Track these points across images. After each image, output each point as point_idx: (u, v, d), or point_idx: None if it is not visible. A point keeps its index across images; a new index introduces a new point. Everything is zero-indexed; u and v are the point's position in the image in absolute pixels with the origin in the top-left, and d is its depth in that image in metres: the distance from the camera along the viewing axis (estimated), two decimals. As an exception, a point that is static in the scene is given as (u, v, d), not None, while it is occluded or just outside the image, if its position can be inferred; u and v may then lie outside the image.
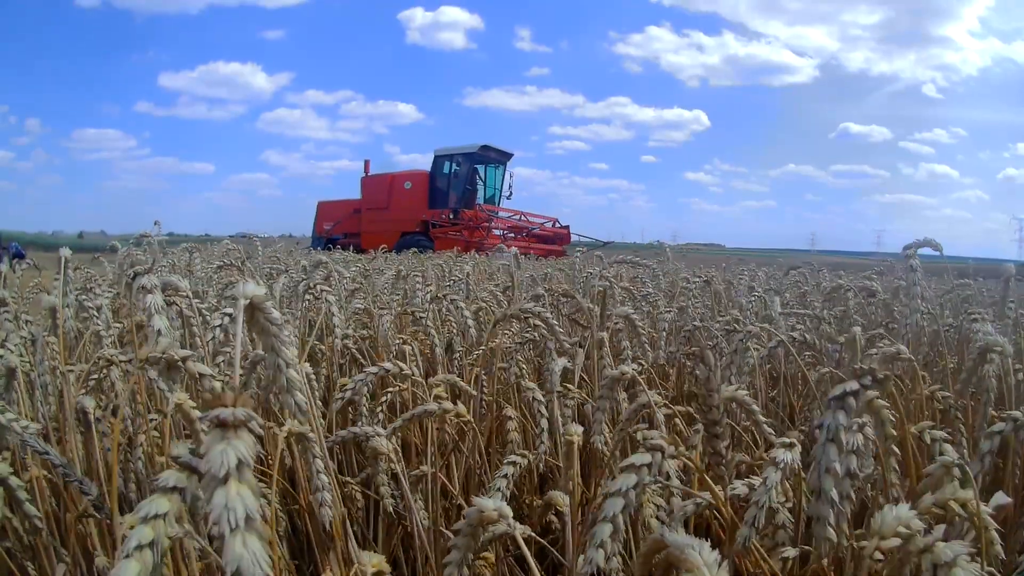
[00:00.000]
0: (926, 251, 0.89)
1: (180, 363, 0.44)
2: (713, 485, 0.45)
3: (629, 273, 1.94)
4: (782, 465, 0.39)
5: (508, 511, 0.39)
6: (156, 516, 0.25)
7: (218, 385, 0.44)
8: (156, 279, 0.45)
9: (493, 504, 0.39)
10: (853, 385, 0.36)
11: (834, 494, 0.35)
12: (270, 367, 0.36)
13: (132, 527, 0.53)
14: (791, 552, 0.48)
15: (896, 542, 0.33)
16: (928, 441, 0.58)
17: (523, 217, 9.85)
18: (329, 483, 0.53)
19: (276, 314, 0.35)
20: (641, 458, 0.35)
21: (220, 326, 0.62)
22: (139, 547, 0.24)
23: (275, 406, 0.73)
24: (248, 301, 0.33)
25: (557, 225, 10.04)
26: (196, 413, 0.53)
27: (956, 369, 0.93)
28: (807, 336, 1.01)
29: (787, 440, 0.40)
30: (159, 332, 0.44)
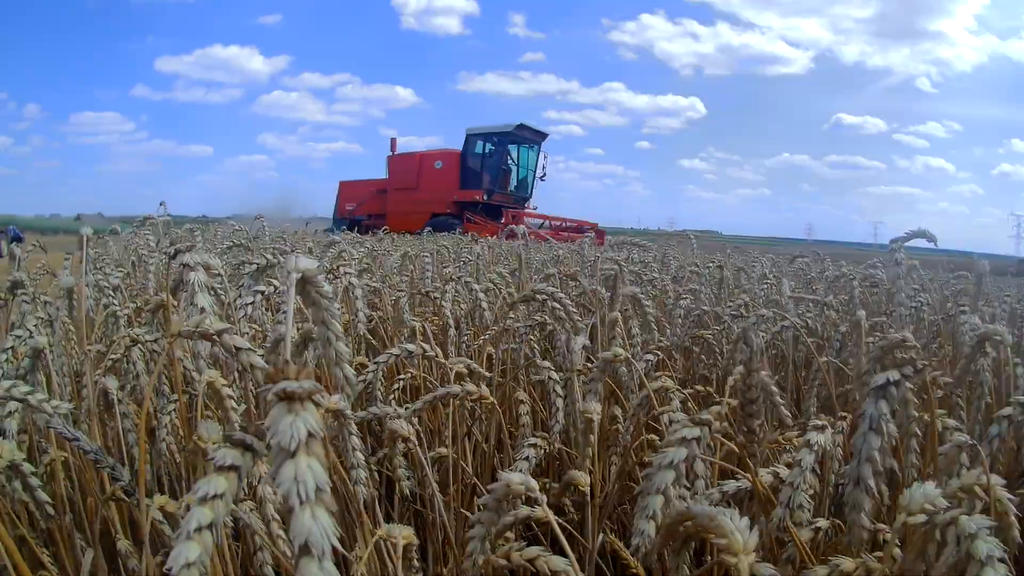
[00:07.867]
0: (929, 244, 0.87)
1: (216, 337, 0.42)
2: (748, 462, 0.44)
3: (636, 258, 1.94)
4: (816, 447, 0.39)
5: (535, 485, 0.38)
6: (215, 496, 0.24)
7: (261, 360, 0.44)
8: (199, 256, 0.45)
9: (519, 478, 0.38)
10: (895, 375, 0.36)
11: (871, 482, 0.35)
12: (320, 340, 0.36)
13: (161, 507, 0.53)
14: (823, 523, 0.48)
15: (922, 518, 0.34)
16: (940, 428, 0.58)
17: (564, 222, 9.41)
18: (364, 461, 0.54)
19: (327, 287, 0.36)
20: (691, 431, 0.34)
21: (252, 303, 0.61)
22: (199, 529, 0.23)
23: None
24: (300, 275, 0.33)
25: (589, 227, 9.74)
26: (227, 391, 0.53)
27: (953, 358, 0.94)
28: (808, 322, 1.01)
29: (819, 423, 0.40)
30: (202, 310, 0.43)
